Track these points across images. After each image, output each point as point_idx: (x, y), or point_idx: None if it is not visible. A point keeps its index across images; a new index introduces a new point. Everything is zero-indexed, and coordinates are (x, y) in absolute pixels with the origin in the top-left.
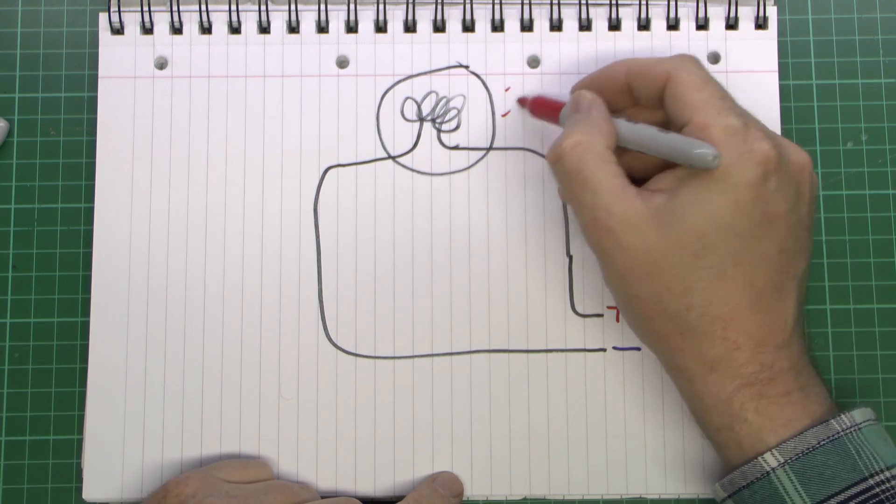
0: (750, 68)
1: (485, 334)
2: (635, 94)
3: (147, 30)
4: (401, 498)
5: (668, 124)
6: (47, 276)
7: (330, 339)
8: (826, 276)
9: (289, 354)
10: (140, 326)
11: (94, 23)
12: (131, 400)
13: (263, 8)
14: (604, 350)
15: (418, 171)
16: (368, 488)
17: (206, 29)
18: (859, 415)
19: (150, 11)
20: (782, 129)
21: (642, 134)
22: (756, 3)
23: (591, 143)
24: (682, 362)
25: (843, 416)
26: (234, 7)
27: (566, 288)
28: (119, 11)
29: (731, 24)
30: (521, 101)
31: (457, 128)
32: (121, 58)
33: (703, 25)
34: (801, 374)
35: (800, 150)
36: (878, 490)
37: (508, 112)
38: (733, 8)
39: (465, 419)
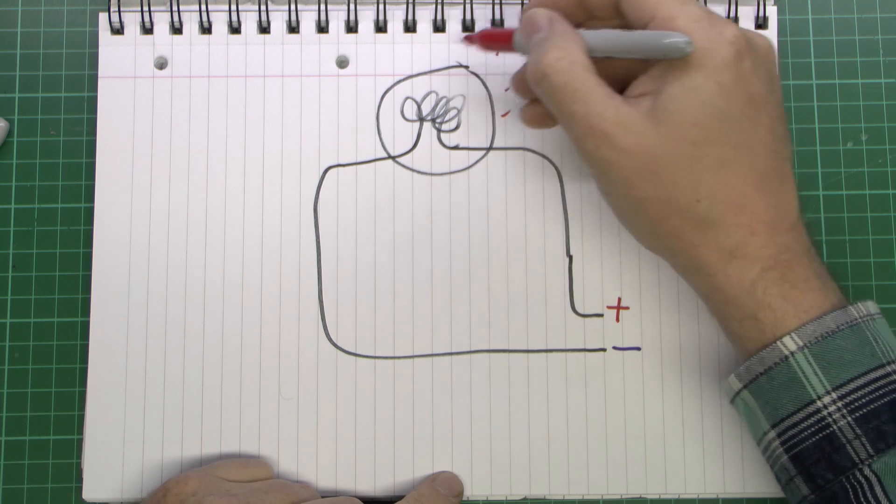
0: None
1: (485, 334)
2: (588, 7)
3: (147, 30)
4: (401, 498)
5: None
6: (47, 276)
7: (330, 339)
8: None
9: (289, 354)
10: (140, 326)
11: (94, 23)
12: (131, 400)
13: (263, 8)
14: (604, 350)
15: (418, 171)
16: (368, 488)
17: (206, 29)
18: (872, 306)
19: (150, 11)
20: None
21: (609, 38)
22: (756, 3)
23: (571, 54)
24: (701, 257)
25: (859, 304)
26: (234, 7)
27: (566, 288)
28: (119, 11)
29: None
30: (469, 39)
31: (457, 128)
32: (121, 58)
33: None
34: (814, 261)
35: (760, 34)
36: (895, 377)
37: (508, 112)
38: (733, 8)
39: (465, 419)
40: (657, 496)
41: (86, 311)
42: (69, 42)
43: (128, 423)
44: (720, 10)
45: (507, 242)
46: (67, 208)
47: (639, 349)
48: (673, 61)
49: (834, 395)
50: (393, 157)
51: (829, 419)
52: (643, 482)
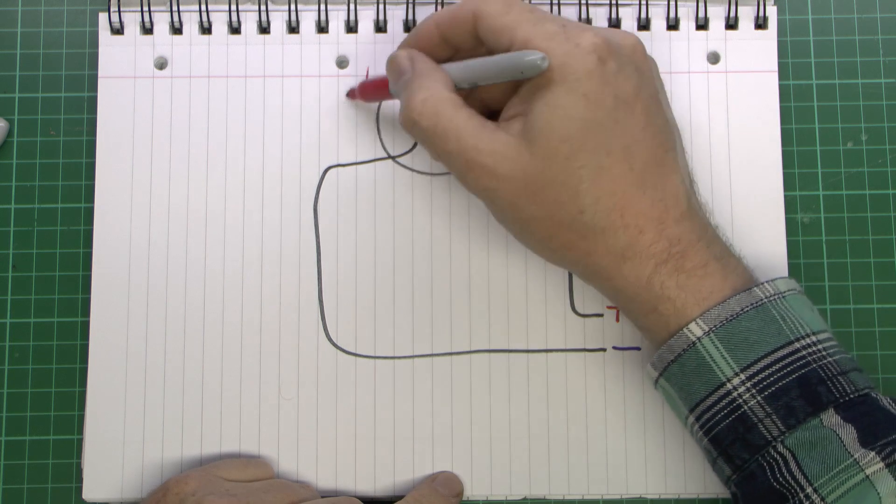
0: (750, 68)
1: (485, 334)
2: (452, 44)
3: (147, 30)
4: (400, 497)
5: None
6: (47, 276)
7: (330, 339)
8: (826, 276)
9: (289, 354)
10: (140, 327)
11: (94, 23)
12: (131, 400)
13: (263, 8)
14: (604, 350)
15: (418, 171)
16: (368, 488)
17: (206, 29)
18: (783, 283)
19: (150, 11)
20: (782, 128)
21: (471, 66)
22: (756, 3)
23: (436, 93)
24: (595, 263)
25: (766, 284)
26: (234, 7)
27: (566, 288)
28: (119, 11)
29: (731, 24)
30: (350, 95)
31: None
32: (121, 58)
33: (702, 25)
34: (712, 245)
35: (626, 33)
36: (804, 353)
37: None
38: (733, 8)
39: (465, 419)
40: (657, 496)
41: (86, 311)
42: (69, 42)
43: (128, 423)
44: (720, 10)
45: (507, 242)
46: (67, 208)
47: (639, 349)
48: (537, 80)
49: (742, 377)
50: (393, 157)
51: (740, 400)
52: (643, 482)
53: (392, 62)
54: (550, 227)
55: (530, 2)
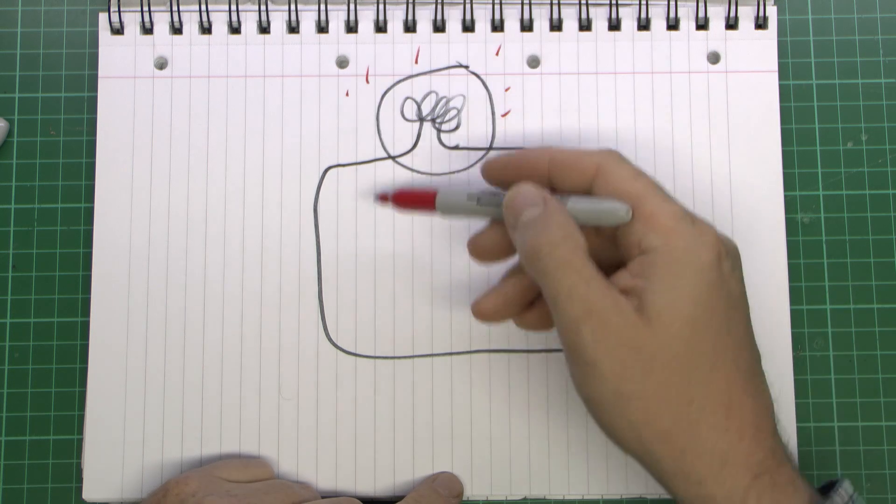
0: (750, 68)
1: (485, 334)
2: (556, 184)
3: (147, 30)
4: (401, 498)
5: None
6: (47, 276)
7: (330, 339)
8: (826, 276)
9: (289, 354)
10: (140, 326)
11: (94, 23)
12: (131, 400)
13: (263, 8)
14: None
15: (418, 171)
16: (368, 488)
17: (206, 29)
18: (848, 486)
19: (150, 11)
20: (782, 128)
21: (572, 210)
22: (756, 3)
23: (574, 235)
24: (689, 463)
25: (840, 490)
26: (234, 7)
27: None
28: (119, 11)
29: (731, 24)
30: (382, 199)
31: (457, 128)
32: (121, 58)
33: (702, 25)
34: (791, 460)
35: (729, 238)
36: None
37: (509, 112)
38: (733, 8)
39: (465, 419)
40: (657, 496)
41: (86, 311)
42: (69, 42)
43: (128, 423)
44: (720, 10)
45: None
46: (67, 208)
47: None
48: (655, 259)
49: None
50: (393, 157)
51: None
52: (643, 482)
53: (521, 193)
54: (652, 410)
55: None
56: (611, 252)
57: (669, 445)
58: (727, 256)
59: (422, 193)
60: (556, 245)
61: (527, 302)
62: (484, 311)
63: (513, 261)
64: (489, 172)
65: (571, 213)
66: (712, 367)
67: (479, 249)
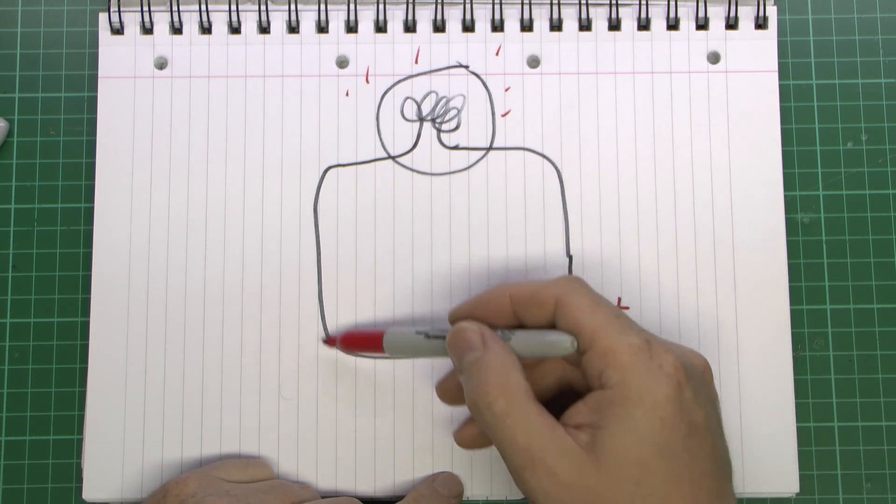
0: (750, 68)
1: None
2: (521, 319)
3: (147, 30)
4: (401, 498)
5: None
6: (47, 276)
7: None
8: (826, 276)
9: (289, 354)
10: (140, 326)
11: (94, 23)
12: (131, 400)
13: (263, 8)
14: None
15: (418, 171)
16: (368, 488)
17: (206, 29)
18: None
19: (150, 11)
20: (782, 128)
21: (517, 346)
22: (756, 3)
23: (511, 381)
24: None
25: None
26: (234, 7)
27: None
28: (119, 11)
29: (731, 24)
30: (329, 342)
31: (457, 128)
32: (121, 58)
33: (702, 25)
34: None
35: (695, 352)
36: None
37: (508, 112)
38: (733, 8)
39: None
40: None
41: (86, 311)
42: (69, 42)
43: (128, 423)
44: (720, 10)
45: (507, 242)
46: (67, 208)
47: None
48: (610, 395)
49: None
50: (393, 157)
51: None
52: None
53: (460, 335)
54: None
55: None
56: (580, 375)
57: None
58: (688, 384)
59: (369, 335)
60: (494, 394)
61: None
62: (465, 442)
63: None
64: (455, 320)
65: (516, 349)
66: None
67: (448, 394)
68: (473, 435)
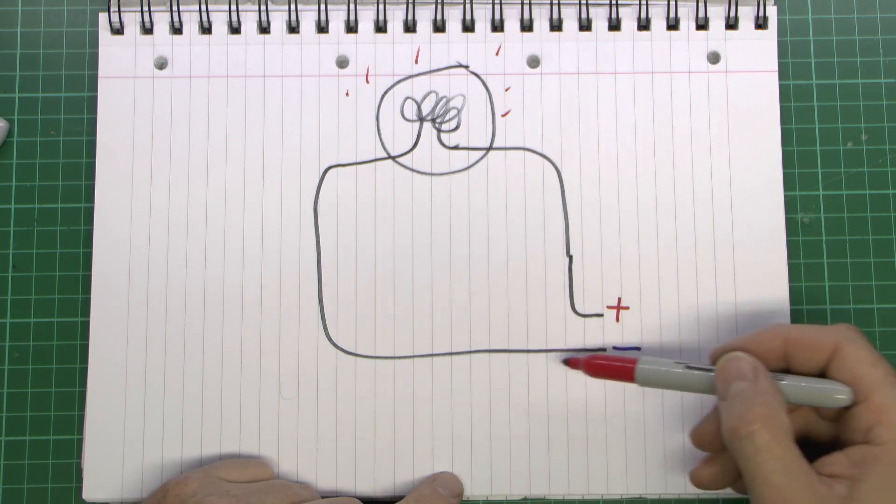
0: (750, 68)
1: (485, 334)
2: (790, 362)
3: (147, 30)
4: (401, 498)
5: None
6: (47, 276)
7: (330, 339)
8: (826, 276)
9: (289, 354)
10: (140, 326)
11: (94, 23)
12: (131, 400)
13: (263, 8)
14: (604, 350)
15: (418, 171)
16: (368, 488)
17: (206, 29)
18: None
19: (150, 11)
20: (782, 128)
21: (788, 389)
22: (756, 3)
23: (777, 417)
24: None
25: None
26: (234, 7)
27: (566, 288)
28: (119, 11)
29: (731, 24)
30: (572, 364)
31: (457, 128)
32: (121, 58)
33: (702, 25)
34: None
35: None
36: None
37: (509, 112)
38: (733, 8)
39: (465, 419)
40: (657, 496)
41: (86, 311)
42: (69, 42)
43: (128, 423)
44: (720, 10)
45: (507, 242)
46: (67, 208)
47: (639, 349)
48: (876, 451)
49: None
50: (393, 157)
51: None
52: (643, 482)
53: (734, 363)
54: None
55: None
56: (828, 429)
57: None
58: None
59: (619, 363)
60: (758, 426)
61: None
62: (701, 482)
63: None
64: (717, 358)
65: (786, 392)
66: None
67: (703, 438)
68: (713, 475)
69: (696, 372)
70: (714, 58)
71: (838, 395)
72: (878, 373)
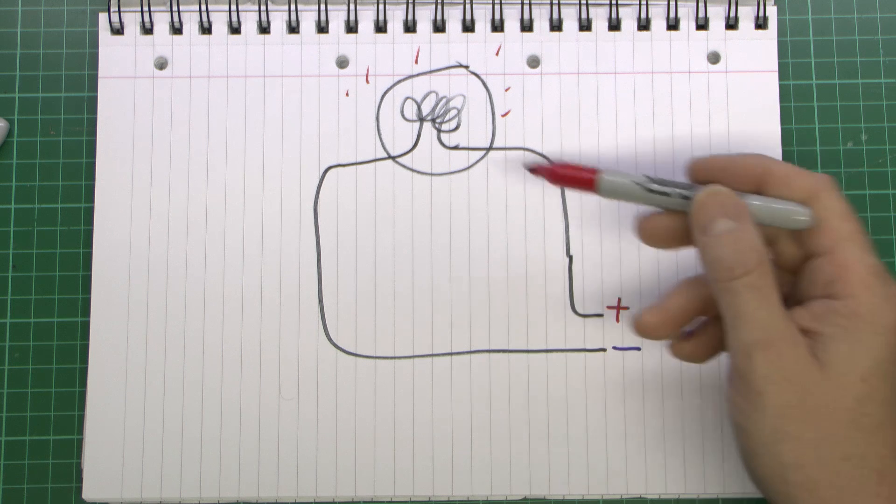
0: (750, 68)
1: (485, 334)
2: (762, 194)
3: (147, 30)
4: (401, 499)
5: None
6: (47, 276)
7: (330, 339)
8: None
9: (289, 354)
10: (140, 326)
11: (94, 23)
12: (131, 400)
13: (263, 8)
14: (604, 350)
15: (418, 171)
16: (368, 488)
17: (206, 29)
18: None
19: (150, 11)
20: (782, 129)
21: (754, 209)
22: (756, 3)
23: (766, 260)
24: None
25: None
26: (234, 7)
27: (566, 288)
28: (119, 11)
29: (731, 24)
30: (535, 171)
31: (457, 128)
32: (121, 58)
33: (702, 25)
34: None
35: None
36: None
37: (509, 112)
38: (733, 8)
39: (465, 419)
40: (657, 496)
41: (86, 311)
42: (69, 42)
43: (128, 423)
44: (720, 10)
45: (507, 242)
46: (67, 208)
47: (639, 349)
48: (837, 306)
49: None
50: (393, 157)
51: None
52: (643, 482)
53: (718, 199)
54: (807, 456)
55: None
56: (788, 281)
57: (814, 496)
58: None
59: (580, 173)
60: (751, 266)
61: (688, 321)
62: (645, 326)
63: (684, 278)
64: (695, 172)
65: (752, 211)
66: (876, 429)
67: (653, 235)
68: (656, 323)
69: (666, 189)
70: (714, 58)
71: (799, 215)
72: (846, 227)
